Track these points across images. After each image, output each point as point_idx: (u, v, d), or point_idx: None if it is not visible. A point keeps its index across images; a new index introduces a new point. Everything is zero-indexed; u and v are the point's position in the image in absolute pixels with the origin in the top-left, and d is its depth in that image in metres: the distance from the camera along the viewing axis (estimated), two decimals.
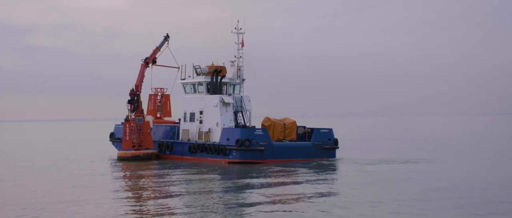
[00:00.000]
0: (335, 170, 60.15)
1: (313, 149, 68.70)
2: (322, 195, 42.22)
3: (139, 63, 76.09)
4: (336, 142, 70.28)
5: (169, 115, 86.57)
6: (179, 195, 44.22)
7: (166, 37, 78.86)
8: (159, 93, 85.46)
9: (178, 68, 79.08)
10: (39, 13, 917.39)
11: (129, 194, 45.73)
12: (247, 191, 45.45)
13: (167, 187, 49.10)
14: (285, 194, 42.82)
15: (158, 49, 78.19)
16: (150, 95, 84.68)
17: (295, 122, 71.37)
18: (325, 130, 70.06)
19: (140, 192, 46.55)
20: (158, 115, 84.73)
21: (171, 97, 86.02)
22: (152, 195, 44.22)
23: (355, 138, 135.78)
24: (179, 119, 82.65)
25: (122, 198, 42.99)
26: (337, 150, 71.03)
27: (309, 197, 41.28)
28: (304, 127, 72.43)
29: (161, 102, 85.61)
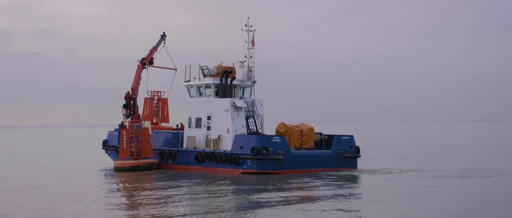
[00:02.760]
0: (372, 185, 53.05)
1: (334, 157, 62.34)
2: None
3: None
4: (357, 150, 64.03)
5: (167, 120, 79.75)
6: (192, 208, 39.35)
7: (163, 36, 72.44)
8: (156, 97, 78.67)
9: (176, 69, 72.82)
10: (15, 18, 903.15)
11: (133, 209, 39.75)
12: (272, 206, 39.28)
13: (176, 200, 43.30)
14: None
15: (155, 48, 71.79)
16: (146, 99, 77.84)
17: (312, 128, 64.92)
18: (346, 137, 63.78)
19: (146, 206, 40.49)
20: (154, 121, 77.91)
21: (168, 102, 79.48)
22: (159, 209, 38.75)
23: (364, 145, 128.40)
24: (177, 125, 76.24)
25: (125, 214, 37.73)
26: (358, 159, 64.74)
27: None
28: (321, 134, 66.13)
29: (158, 107, 78.82)
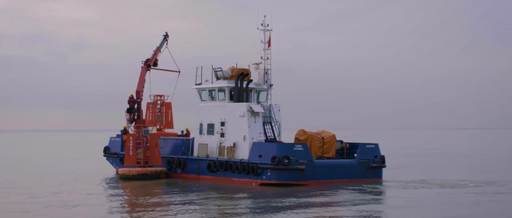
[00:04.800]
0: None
1: (359, 168, 57.78)
2: None
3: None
4: (383, 159, 59.53)
5: (171, 126, 74.97)
6: None
7: (166, 37, 67.76)
8: (159, 102, 73.87)
9: (179, 72, 68.11)
10: (5, 22, 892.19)
11: None
12: None
13: (190, 212, 39.67)
14: None
15: (158, 49, 66.97)
16: (148, 104, 73.05)
17: (334, 136, 60.34)
18: (371, 145, 59.22)
19: None
20: (158, 126, 73.14)
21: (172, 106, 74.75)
22: None
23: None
24: (182, 131, 71.61)
25: None
26: (383, 169, 60.23)
27: None
28: (341, 141, 61.62)
29: (161, 111, 74.05)
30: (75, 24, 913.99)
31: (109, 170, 73.46)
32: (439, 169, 76.03)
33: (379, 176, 59.10)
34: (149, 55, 65.89)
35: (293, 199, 45.54)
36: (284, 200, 44.98)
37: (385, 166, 59.72)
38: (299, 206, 42.27)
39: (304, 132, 59.73)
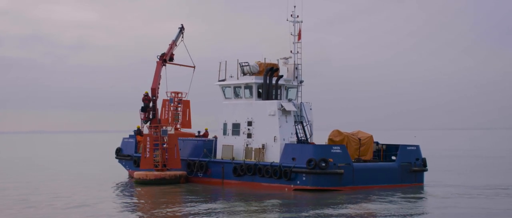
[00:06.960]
0: None
1: (400, 171, 52.86)
2: None
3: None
4: (424, 162, 54.61)
5: (189, 125, 70.02)
6: None
7: (181, 29, 63.06)
8: (177, 99, 68.96)
9: (194, 67, 63.44)
10: (5, 23, 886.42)
11: None
12: None
13: None
14: None
15: (174, 43, 62.30)
16: (164, 101, 68.14)
17: (371, 137, 55.38)
18: (412, 147, 54.32)
19: None
20: (176, 125, 68.27)
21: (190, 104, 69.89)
22: None
23: None
24: (198, 131, 66.73)
25: None
26: (425, 173, 55.31)
27: None
28: (377, 143, 56.68)
29: (178, 109, 69.12)
30: (75, 26, 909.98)
31: (120, 173, 68.64)
32: (484, 172, 70.99)
33: (421, 180, 54.24)
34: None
35: (336, 206, 40.64)
36: (324, 208, 40.14)
37: (427, 170, 54.81)
38: (344, 215, 37.44)
39: (339, 132, 54.77)
